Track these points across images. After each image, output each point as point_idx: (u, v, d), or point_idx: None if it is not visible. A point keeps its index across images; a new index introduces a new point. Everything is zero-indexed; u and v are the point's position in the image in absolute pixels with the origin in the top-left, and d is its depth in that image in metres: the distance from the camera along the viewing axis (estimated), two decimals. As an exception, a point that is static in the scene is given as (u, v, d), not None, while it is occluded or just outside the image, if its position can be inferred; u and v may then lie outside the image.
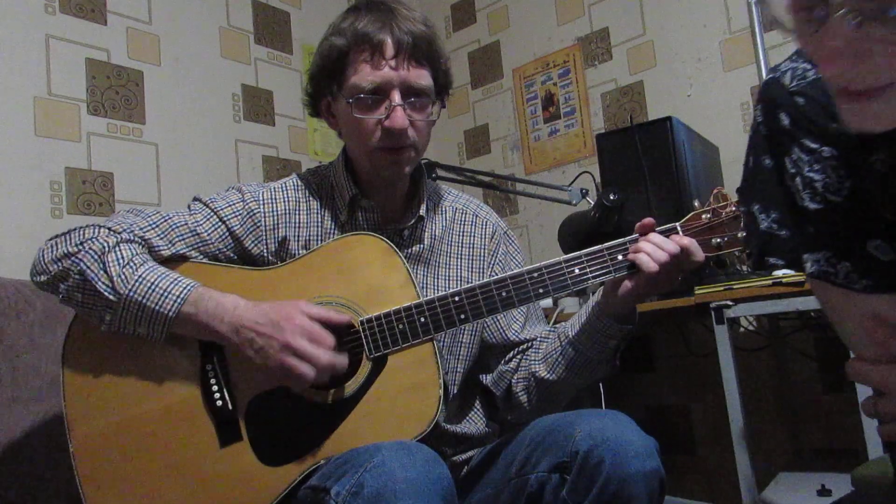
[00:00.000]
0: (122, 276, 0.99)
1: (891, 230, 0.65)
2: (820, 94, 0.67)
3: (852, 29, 0.48)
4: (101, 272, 0.99)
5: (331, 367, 0.96)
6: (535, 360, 1.19)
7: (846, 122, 0.56)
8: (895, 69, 0.50)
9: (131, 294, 0.98)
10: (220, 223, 1.11)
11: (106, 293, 0.99)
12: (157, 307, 0.98)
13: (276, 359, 0.96)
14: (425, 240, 1.19)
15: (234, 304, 1.00)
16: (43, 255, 1.04)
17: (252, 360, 0.98)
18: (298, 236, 1.15)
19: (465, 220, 1.25)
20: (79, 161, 1.92)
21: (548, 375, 1.16)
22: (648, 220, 1.04)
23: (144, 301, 0.98)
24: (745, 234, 0.78)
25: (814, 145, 0.67)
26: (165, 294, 0.98)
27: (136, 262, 1.01)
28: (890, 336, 0.65)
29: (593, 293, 1.15)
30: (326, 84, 1.12)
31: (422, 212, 1.17)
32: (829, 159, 0.66)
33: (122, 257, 1.01)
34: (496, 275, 1.22)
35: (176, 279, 1.00)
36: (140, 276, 0.99)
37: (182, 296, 0.99)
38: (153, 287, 0.99)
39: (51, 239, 1.06)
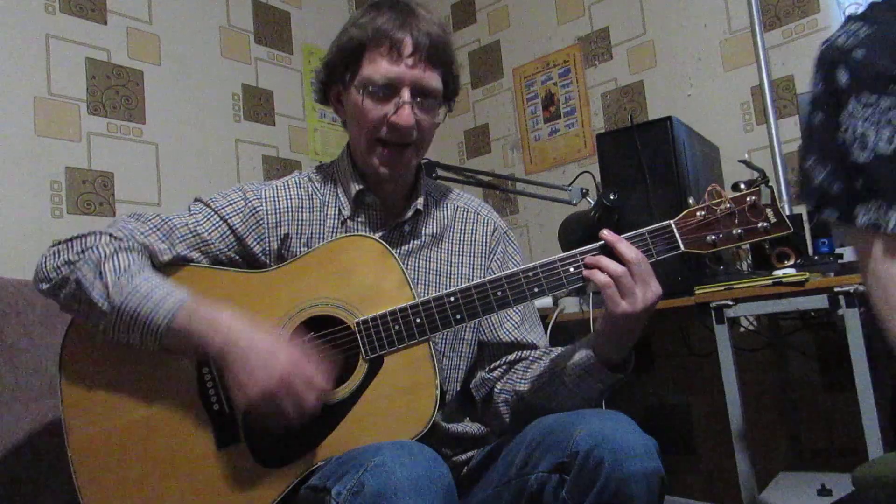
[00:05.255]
0: (118, 286, 0.98)
1: None
2: (880, 41, 0.68)
3: None
4: (97, 281, 0.99)
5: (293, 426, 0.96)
6: (521, 380, 1.17)
7: None
8: None
9: (125, 304, 0.97)
10: (221, 222, 1.11)
11: (100, 302, 0.98)
12: (148, 318, 0.97)
13: (252, 402, 0.94)
14: (425, 235, 1.20)
15: (229, 323, 0.98)
16: (45, 263, 1.04)
17: (226, 383, 0.97)
18: (301, 233, 1.15)
19: (466, 219, 1.25)
20: (79, 161, 1.91)
21: (531, 399, 1.14)
22: (609, 236, 1.03)
23: (137, 312, 0.97)
24: (800, 191, 0.79)
25: (872, 97, 0.67)
26: (158, 306, 0.97)
27: (132, 270, 1.00)
28: None
29: (594, 292, 1.14)
30: (340, 72, 1.13)
31: (419, 206, 1.18)
32: (888, 110, 0.66)
33: (119, 266, 1.00)
34: (493, 273, 1.22)
35: (169, 291, 0.99)
36: (135, 287, 0.98)
37: (173, 310, 0.97)
38: (146, 298, 0.97)
39: (54, 245, 1.06)
